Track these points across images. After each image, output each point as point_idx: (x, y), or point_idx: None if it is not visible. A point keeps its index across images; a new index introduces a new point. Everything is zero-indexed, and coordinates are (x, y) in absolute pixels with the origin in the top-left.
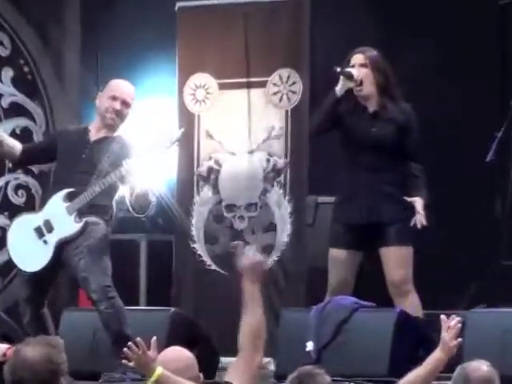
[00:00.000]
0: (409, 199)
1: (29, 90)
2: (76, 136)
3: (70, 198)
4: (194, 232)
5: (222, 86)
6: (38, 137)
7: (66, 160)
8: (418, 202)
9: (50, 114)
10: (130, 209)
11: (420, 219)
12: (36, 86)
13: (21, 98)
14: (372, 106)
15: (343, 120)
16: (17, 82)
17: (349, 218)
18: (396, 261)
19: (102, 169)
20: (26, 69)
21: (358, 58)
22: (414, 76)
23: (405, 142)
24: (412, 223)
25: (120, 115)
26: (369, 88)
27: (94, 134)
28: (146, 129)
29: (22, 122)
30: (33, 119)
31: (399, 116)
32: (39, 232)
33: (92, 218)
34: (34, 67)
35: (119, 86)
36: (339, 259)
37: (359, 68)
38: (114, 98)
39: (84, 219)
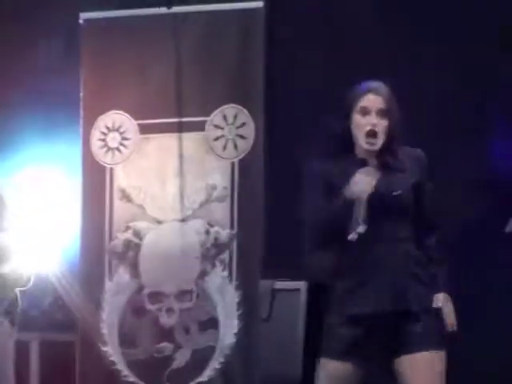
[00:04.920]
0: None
1: None
2: None
3: None
4: (104, 330)
5: (144, 129)
6: None
7: None
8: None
9: None
10: None
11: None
12: None
13: None
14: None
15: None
16: None
17: (361, 307)
18: (426, 374)
19: None
20: None
21: (374, 101)
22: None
23: (421, 202)
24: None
25: None
26: (382, 140)
27: None
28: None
29: None
30: None
31: (411, 167)
32: None
33: None
34: None
35: None
36: (342, 377)
37: (377, 116)
38: None
39: None
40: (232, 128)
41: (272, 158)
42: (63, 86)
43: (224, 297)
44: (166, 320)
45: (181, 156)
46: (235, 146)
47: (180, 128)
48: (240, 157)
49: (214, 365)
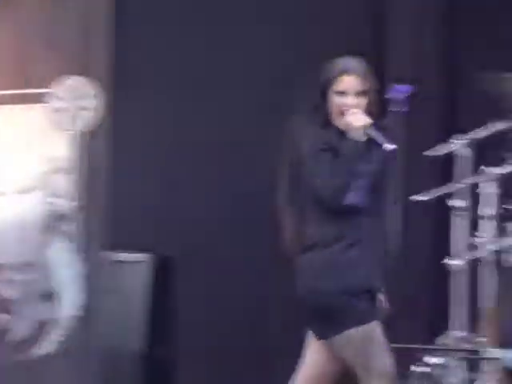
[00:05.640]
0: None
1: None
2: None
3: None
4: None
5: None
6: None
7: None
8: None
9: None
10: None
11: None
12: None
13: None
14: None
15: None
16: None
17: (364, 281)
18: None
19: None
20: None
21: (351, 83)
22: None
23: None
24: None
25: None
26: None
27: None
28: None
29: None
30: None
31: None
32: None
33: None
34: None
35: None
36: None
37: (355, 97)
38: None
39: None
40: (75, 100)
41: (117, 130)
42: None
43: (66, 269)
44: (6, 291)
45: (24, 127)
46: (79, 118)
47: (23, 99)
48: (83, 129)
49: (55, 337)
